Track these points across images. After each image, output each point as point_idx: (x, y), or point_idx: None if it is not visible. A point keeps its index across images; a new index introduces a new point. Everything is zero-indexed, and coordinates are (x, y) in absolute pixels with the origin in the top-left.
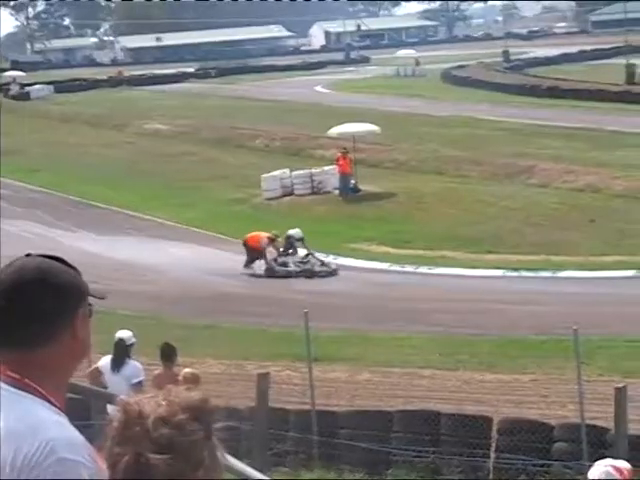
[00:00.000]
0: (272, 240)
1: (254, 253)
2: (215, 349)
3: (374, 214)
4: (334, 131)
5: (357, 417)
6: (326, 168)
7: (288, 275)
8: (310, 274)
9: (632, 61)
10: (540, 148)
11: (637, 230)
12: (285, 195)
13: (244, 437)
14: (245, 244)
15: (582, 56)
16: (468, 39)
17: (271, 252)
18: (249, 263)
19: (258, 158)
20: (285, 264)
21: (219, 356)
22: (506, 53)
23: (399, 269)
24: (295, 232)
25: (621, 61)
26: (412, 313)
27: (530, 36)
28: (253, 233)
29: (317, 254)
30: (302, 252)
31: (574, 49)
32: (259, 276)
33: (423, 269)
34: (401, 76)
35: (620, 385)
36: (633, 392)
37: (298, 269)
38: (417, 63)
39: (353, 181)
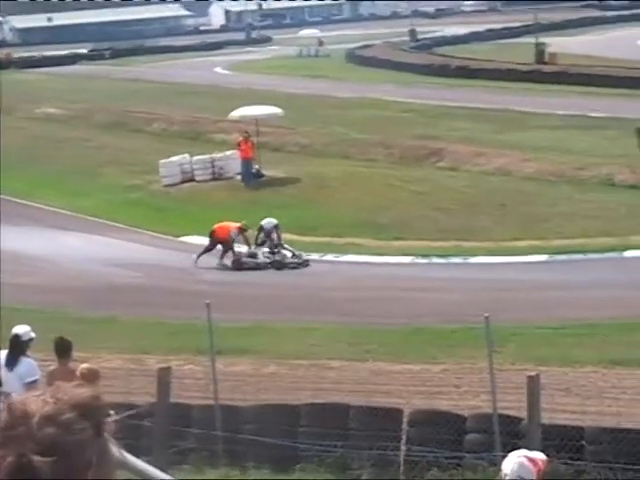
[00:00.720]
0: (242, 230)
1: (223, 245)
2: (113, 343)
3: (278, 200)
4: (235, 114)
5: (263, 412)
6: (227, 153)
7: (257, 267)
8: (279, 265)
9: (541, 40)
10: (449, 130)
11: (549, 214)
12: (185, 181)
13: (144, 434)
14: (212, 236)
15: (491, 35)
16: (373, 18)
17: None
18: (223, 254)
19: (156, 143)
20: (254, 255)
21: (117, 350)
22: (413, 32)
23: (305, 257)
24: (266, 222)
25: (530, 40)
26: (319, 302)
27: (437, 14)
28: (221, 223)
29: (287, 245)
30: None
31: (483, 28)
32: (224, 268)
33: (329, 257)
34: (304, 56)
35: (533, 373)
36: (546, 380)
37: (268, 260)
38: (320, 43)
39: (256, 166)
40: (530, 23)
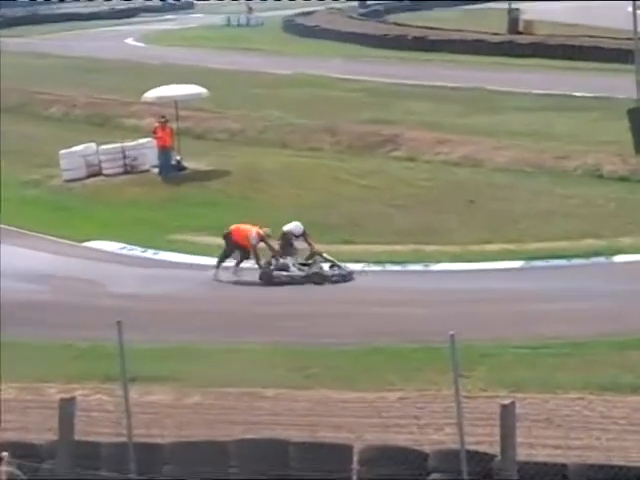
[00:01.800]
0: (263, 238)
1: (241, 252)
2: (6, 370)
3: (203, 197)
4: (151, 95)
5: (185, 450)
6: (141, 141)
7: (291, 282)
8: (319, 279)
9: (515, 5)
10: (406, 113)
11: (525, 212)
12: (91, 175)
13: (44, 477)
14: (228, 237)
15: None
16: None
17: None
18: (239, 262)
19: (55, 130)
20: (285, 267)
21: (11, 378)
22: None
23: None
24: (293, 227)
25: (503, 6)
26: (252, 319)
27: None
28: (237, 225)
29: (325, 254)
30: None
31: None
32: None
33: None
34: (233, 26)
35: (507, 401)
36: (523, 409)
37: (303, 273)
38: (249, 10)
39: (176, 157)
40: None
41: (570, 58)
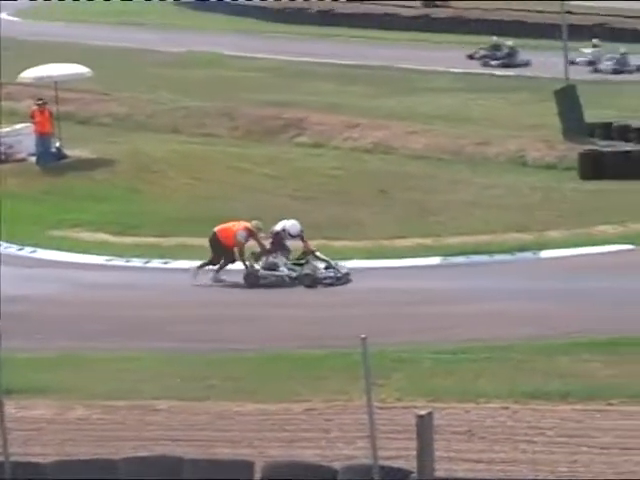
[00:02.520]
0: (252, 233)
1: (226, 255)
2: None
3: (86, 189)
4: (28, 75)
5: (69, 470)
6: (18, 127)
7: (279, 283)
8: (310, 281)
9: None
10: (311, 94)
11: (443, 203)
12: None
13: None
14: (213, 241)
15: None
16: None
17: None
18: (223, 266)
19: None
20: (274, 267)
21: None
22: None
23: (123, 264)
24: (290, 225)
25: None
26: (143, 324)
27: None
28: (222, 225)
29: (319, 253)
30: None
31: None
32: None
33: (156, 263)
34: None
35: (424, 412)
36: (442, 420)
37: (294, 274)
38: None
39: (56, 144)
40: None
41: (490, 33)
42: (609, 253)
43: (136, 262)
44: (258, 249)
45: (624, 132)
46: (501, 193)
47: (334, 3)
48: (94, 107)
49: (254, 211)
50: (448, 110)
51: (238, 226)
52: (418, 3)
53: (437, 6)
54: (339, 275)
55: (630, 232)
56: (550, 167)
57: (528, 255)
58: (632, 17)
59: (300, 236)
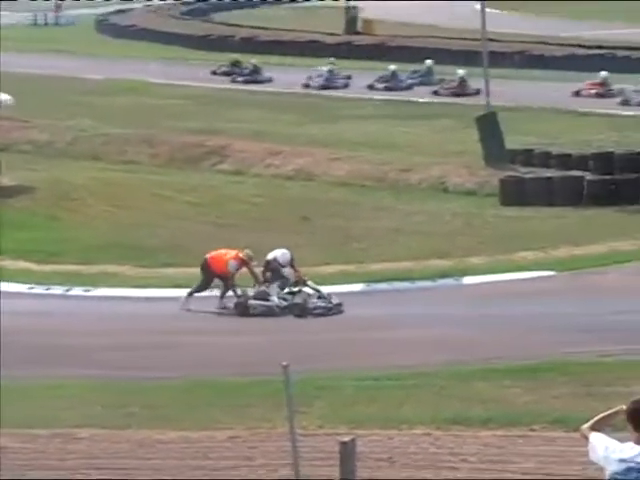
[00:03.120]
0: (243, 262)
1: (223, 281)
2: None
3: (6, 217)
4: None
5: None
6: None
7: (269, 312)
8: (300, 311)
9: (353, 3)
10: (234, 122)
11: (366, 230)
12: None
13: None
14: (205, 269)
15: None
16: None
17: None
18: (224, 293)
19: None
20: (265, 296)
21: None
22: None
23: (43, 292)
24: (280, 255)
25: (339, 3)
26: (63, 351)
27: None
28: (214, 252)
29: (311, 282)
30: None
31: None
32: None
33: (77, 291)
34: (40, 25)
35: (346, 439)
36: (365, 447)
37: (285, 303)
38: (58, 7)
39: None
40: None
41: (413, 61)
42: (530, 279)
43: (57, 290)
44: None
45: (545, 159)
46: (423, 220)
47: (258, 31)
48: (14, 134)
49: (176, 239)
50: (371, 137)
51: (230, 255)
52: (341, 30)
53: (359, 33)
54: (330, 305)
55: (550, 258)
56: (471, 193)
57: (450, 281)
58: (552, 44)
59: (290, 265)
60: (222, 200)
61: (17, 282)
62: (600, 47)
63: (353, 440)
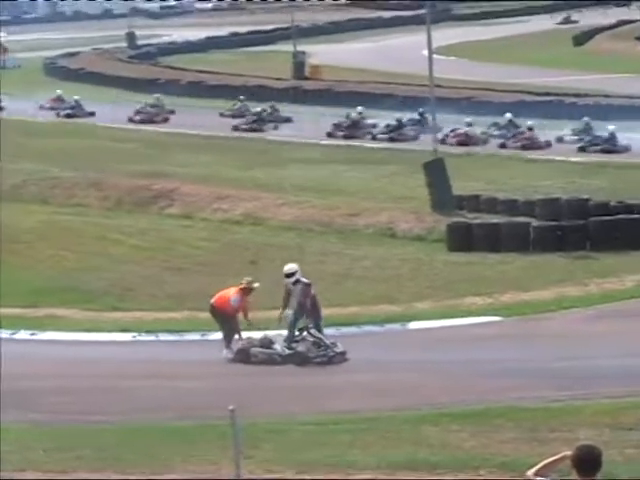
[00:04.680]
0: (245, 292)
1: (225, 324)
2: None
3: None
4: None
5: None
6: None
7: (270, 361)
8: (301, 360)
9: (301, 48)
10: (182, 166)
11: (313, 273)
12: None
13: None
14: (213, 311)
15: (235, 41)
16: (79, 17)
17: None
18: (231, 335)
19: None
20: (268, 344)
21: None
22: (131, 36)
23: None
24: (287, 268)
25: (287, 48)
26: (8, 395)
27: (163, 13)
28: (217, 294)
29: (312, 330)
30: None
31: (224, 31)
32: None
33: (23, 334)
34: None
35: None
36: None
37: (289, 351)
38: (4, 50)
39: None
40: (286, 26)
41: (360, 105)
42: (477, 324)
43: (3, 333)
44: None
45: (492, 204)
46: (371, 265)
47: (204, 75)
48: None
49: (124, 282)
50: (318, 182)
51: (231, 292)
52: (288, 75)
53: (307, 78)
54: (332, 354)
55: (497, 304)
56: (419, 239)
57: (396, 326)
58: (498, 91)
59: (294, 277)
60: (170, 244)
61: None
62: (548, 94)
63: None
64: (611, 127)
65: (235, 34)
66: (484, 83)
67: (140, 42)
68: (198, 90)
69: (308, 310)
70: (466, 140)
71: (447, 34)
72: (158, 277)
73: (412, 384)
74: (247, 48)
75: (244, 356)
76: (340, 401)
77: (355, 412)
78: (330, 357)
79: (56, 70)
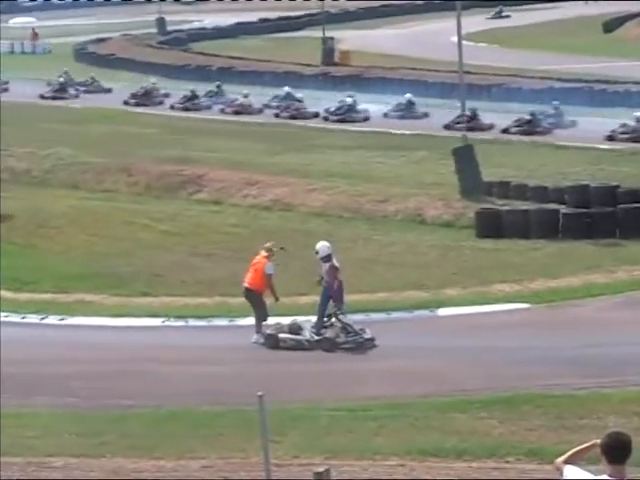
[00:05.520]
0: (270, 256)
1: (257, 303)
2: None
3: None
4: None
5: None
6: None
7: (299, 346)
8: (329, 345)
9: (330, 34)
10: (211, 151)
11: (342, 260)
12: None
13: None
14: (248, 292)
15: (265, 27)
16: (108, 3)
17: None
18: (262, 320)
19: None
20: (297, 329)
21: None
22: (161, 22)
23: (18, 320)
24: (319, 246)
25: (317, 34)
26: (36, 380)
27: None
28: (247, 275)
29: (341, 315)
30: None
31: (254, 17)
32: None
33: (52, 319)
34: (17, 53)
35: (321, 469)
36: (339, 478)
37: (316, 338)
38: (34, 36)
39: None
40: (315, 12)
41: (389, 92)
42: (505, 311)
43: (32, 318)
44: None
45: (522, 191)
46: (399, 251)
47: (235, 61)
48: None
49: (152, 268)
50: (347, 168)
51: (258, 265)
52: (318, 60)
53: (336, 64)
54: (360, 340)
55: (526, 291)
56: (448, 225)
57: (425, 313)
58: (528, 77)
59: (326, 259)
60: (199, 229)
61: None
62: (578, 80)
63: (327, 470)
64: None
65: (265, 20)
66: (514, 70)
67: (170, 28)
68: (229, 76)
69: (335, 292)
70: (241, 110)
71: (477, 20)
72: (187, 262)
73: (440, 371)
74: (277, 34)
75: (273, 342)
76: (368, 387)
77: (383, 398)
78: (359, 343)
79: (85, 56)
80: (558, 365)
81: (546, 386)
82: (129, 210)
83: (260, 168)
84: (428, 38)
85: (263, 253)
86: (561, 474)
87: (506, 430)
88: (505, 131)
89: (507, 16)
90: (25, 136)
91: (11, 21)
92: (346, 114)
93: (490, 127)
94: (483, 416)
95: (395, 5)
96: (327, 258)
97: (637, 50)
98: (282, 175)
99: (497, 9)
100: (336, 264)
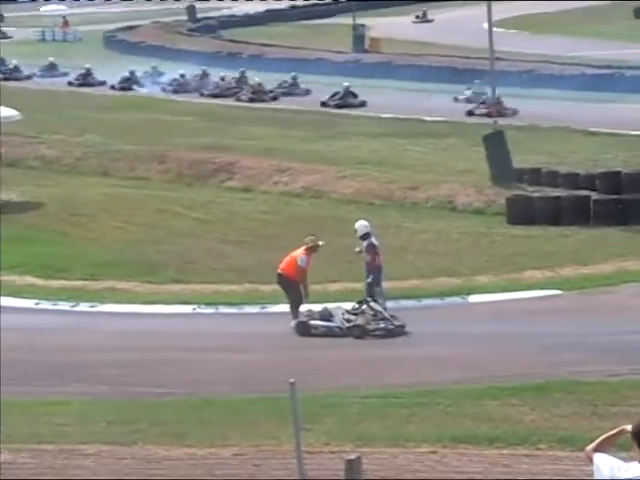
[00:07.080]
0: (311, 250)
1: (292, 291)
2: None
3: (14, 232)
4: None
5: None
6: None
7: (330, 333)
8: (361, 332)
9: (361, 21)
10: (242, 139)
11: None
12: None
13: None
14: (281, 279)
15: (295, 14)
16: None
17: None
18: (297, 305)
19: None
20: (328, 316)
21: None
22: (191, 9)
23: (50, 307)
24: (357, 225)
25: (347, 21)
26: (68, 368)
27: None
28: (283, 263)
29: (372, 303)
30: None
31: (284, 4)
32: None
33: (84, 306)
34: (48, 41)
35: (352, 456)
36: (370, 465)
37: (347, 325)
38: (65, 23)
39: None
40: None
41: (420, 79)
42: (537, 298)
43: (64, 305)
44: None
45: (553, 178)
46: (431, 238)
47: (265, 48)
48: (23, 150)
49: (184, 255)
50: (378, 155)
51: (296, 253)
52: (348, 48)
53: (367, 51)
54: (391, 327)
55: (558, 277)
56: (479, 212)
57: (457, 300)
58: (559, 63)
59: (364, 237)
60: (230, 217)
61: (24, 297)
62: (609, 67)
63: (359, 458)
64: None
65: (294, 7)
66: (545, 56)
67: (200, 15)
68: (259, 63)
69: (374, 268)
70: (179, 89)
71: (509, 6)
72: (218, 250)
73: (472, 358)
74: (306, 21)
75: (304, 328)
76: (400, 374)
77: (415, 385)
78: (390, 330)
79: (116, 43)
80: (590, 352)
81: (578, 373)
82: (161, 198)
83: (291, 155)
84: (458, 25)
85: (309, 244)
86: (592, 462)
87: (538, 417)
88: None
89: None
90: (56, 124)
91: (42, 9)
92: (343, 99)
93: (514, 113)
94: (515, 403)
95: None
96: (365, 236)
97: None
98: (313, 162)
99: None
100: (375, 242)
